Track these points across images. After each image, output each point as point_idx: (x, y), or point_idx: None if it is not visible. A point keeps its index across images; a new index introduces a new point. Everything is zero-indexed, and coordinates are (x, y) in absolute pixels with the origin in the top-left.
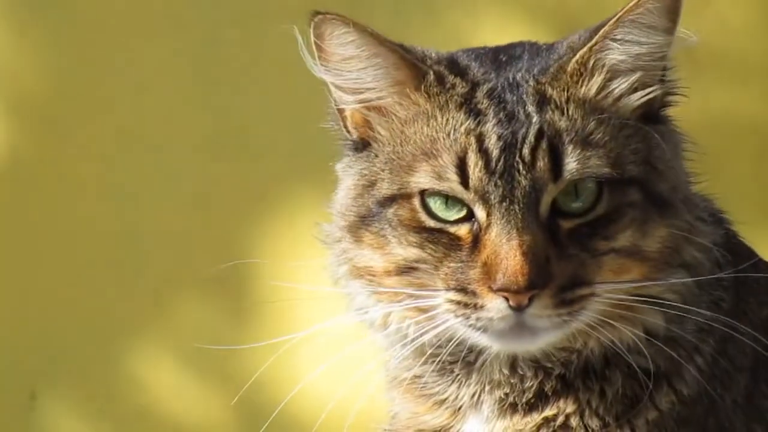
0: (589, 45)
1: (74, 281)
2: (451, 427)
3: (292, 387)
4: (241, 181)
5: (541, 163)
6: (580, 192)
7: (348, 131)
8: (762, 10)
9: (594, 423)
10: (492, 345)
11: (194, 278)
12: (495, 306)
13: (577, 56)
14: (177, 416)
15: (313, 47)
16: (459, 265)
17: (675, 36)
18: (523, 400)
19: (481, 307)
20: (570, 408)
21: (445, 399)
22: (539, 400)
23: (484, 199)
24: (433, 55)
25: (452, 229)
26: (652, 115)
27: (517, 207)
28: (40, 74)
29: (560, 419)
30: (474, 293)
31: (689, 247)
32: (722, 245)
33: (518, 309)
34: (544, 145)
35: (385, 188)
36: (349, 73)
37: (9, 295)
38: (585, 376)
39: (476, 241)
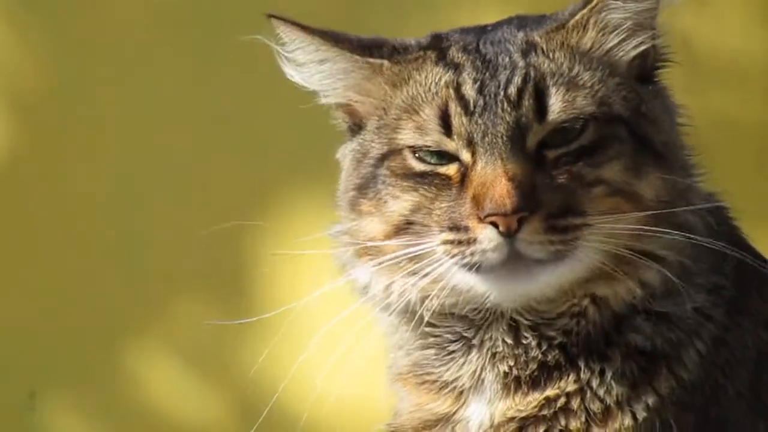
0: (590, 6)
1: (74, 281)
2: (455, 413)
3: (297, 385)
4: (241, 180)
5: (527, 103)
6: (567, 130)
7: (340, 118)
8: (761, 10)
9: (595, 405)
10: (488, 290)
11: (194, 278)
12: (486, 235)
13: (578, 16)
14: (177, 416)
15: (280, 55)
16: (450, 204)
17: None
18: (527, 372)
19: (474, 240)
20: (570, 387)
21: (447, 382)
22: (542, 373)
23: (469, 141)
24: (412, 41)
25: (442, 169)
26: (646, 74)
27: (500, 140)
28: (40, 74)
29: (561, 400)
30: (466, 228)
31: (683, 204)
32: (724, 236)
33: (508, 234)
34: (530, 87)
35: (376, 150)
36: (317, 75)
37: (9, 295)
38: (587, 353)
39: (464, 179)
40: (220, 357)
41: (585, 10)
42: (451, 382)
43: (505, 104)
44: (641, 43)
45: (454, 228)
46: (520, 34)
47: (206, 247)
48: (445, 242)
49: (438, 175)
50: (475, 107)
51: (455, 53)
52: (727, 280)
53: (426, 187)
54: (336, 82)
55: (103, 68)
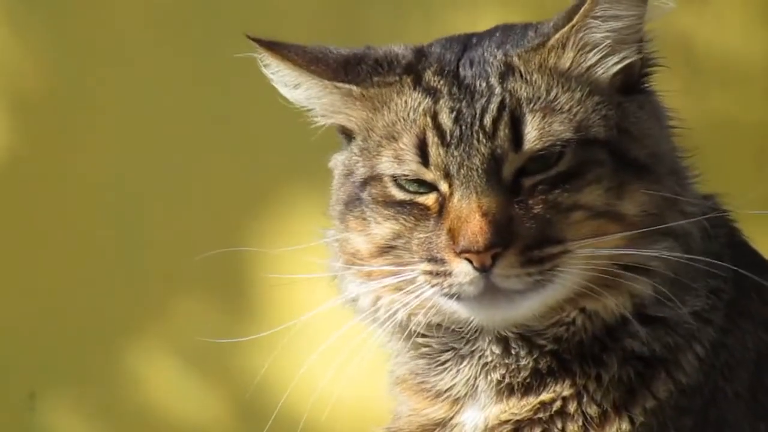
0: (571, 24)
1: (74, 281)
2: (451, 418)
3: (291, 386)
4: (241, 180)
5: (502, 133)
6: (545, 157)
7: (335, 129)
8: (761, 10)
9: (592, 410)
10: (471, 315)
11: (194, 277)
12: (461, 270)
13: (558, 35)
14: (177, 416)
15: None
16: (428, 235)
17: (648, 5)
18: (519, 379)
19: (450, 273)
20: (566, 392)
21: (442, 390)
22: (535, 379)
23: (445, 172)
24: (399, 52)
25: (420, 199)
26: (632, 85)
27: (475, 173)
28: (40, 74)
29: (557, 404)
30: (442, 260)
31: (675, 215)
32: (721, 239)
33: (483, 270)
34: (505, 116)
35: (360, 173)
36: (297, 92)
37: (9, 295)
38: (581, 359)
39: (442, 210)
40: (219, 357)
41: (565, 30)
42: (446, 390)
43: (481, 135)
44: (624, 58)
45: (432, 259)
46: (500, 54)
47: (206, 248)
48: (425, 272)
49: (417, 204)
50: (451, 138)
51: (432, 77)
52: (725, 283)
53: (405, 216)
54: (316, 103)
55: (103, 68)
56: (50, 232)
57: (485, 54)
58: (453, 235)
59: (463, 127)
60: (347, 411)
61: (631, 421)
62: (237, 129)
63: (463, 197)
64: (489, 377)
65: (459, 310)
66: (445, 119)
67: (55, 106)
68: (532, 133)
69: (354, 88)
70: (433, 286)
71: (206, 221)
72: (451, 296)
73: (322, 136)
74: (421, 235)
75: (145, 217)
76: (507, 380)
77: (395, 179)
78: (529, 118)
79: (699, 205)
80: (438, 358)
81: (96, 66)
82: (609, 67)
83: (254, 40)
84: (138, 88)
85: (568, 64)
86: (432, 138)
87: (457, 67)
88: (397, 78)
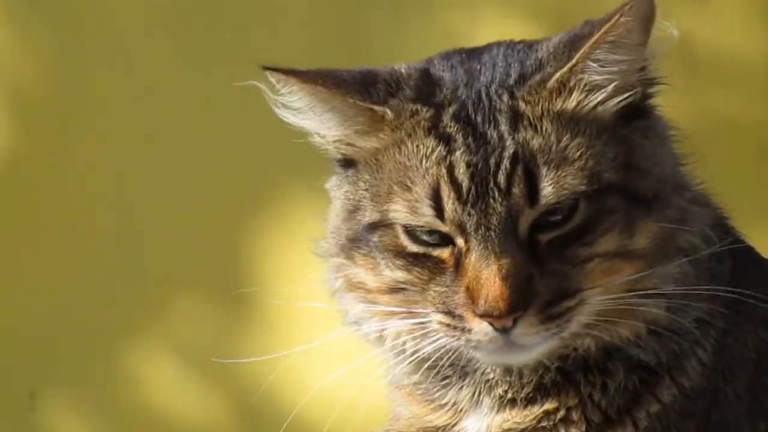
0: (570, 65)
1: (74, 281)
2: (454, 425)
3: (293, 387)
4: (241, 181)
5: (517, 190)
6: (558, 209)
7: (331, 153)
8: (761, 9)
9: (596, 416)
10: (486, 359)
11: (194, 278)
12: (481, 330)
13: (557, 75)
14: (177, 416)
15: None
16: (444, 289)
17: (650, 42)
18: (522, 395)
19: (469, 330)
20: (571, 401)
21: (446, 403)
22: (539, 393)
23: (461, 228)
24: (404, 71)
25: (435, 252)
26: (633, 111)
27: (493, 233)
28: (40, 74)
29: (561, 412)
30: (461, 317)
31: (683, 233)
32: (716, 226)
33: (504, 331)
34: (519, 171)
35: (368, 215)
36: (309, 120)
37: (9, 295)
38: (586, 370)
39: (458, 264)
40: (220, 357)
41: (565, 70)
42: (451, 403)
43: (496, 193)
44: (628, 96)
45: (449, 313)
46: (506, 97)
47: (206, 248)
48: (440, 323)
49: (431, 257)
50: (467, 195)
51: (447, 122)
52: (727, 284)
53: (419, 269)
54: (332, 130)
55: (103, 68)
56: (50, 232)
57: (492, 93)
58: (472, 295)
59: (479, 185)
60: (345, 408)
61: (635, 426)
62: (237, 129)
63: (481, 257)
64: (492, 392)
65: (474, 355)
66: (462, 174)
67: (55, 106)
68: (548, 189)
69: (387, 112)
70: (448, 336)
71: (206, 221)
72: (467, 347)
73: None
74: (437, 288)
75: (145, 217)
76: (510, 395)
77: (408, 229)
78: (543, 171)
79: (703, 215)
80: (441, 373)
81: (96, 66)
82: (614, 105)
83: (275, 69)
84: (138, 88)
85: (573, 106)
86: (447, 192)
87: (470, 111)
88: (417, 108)
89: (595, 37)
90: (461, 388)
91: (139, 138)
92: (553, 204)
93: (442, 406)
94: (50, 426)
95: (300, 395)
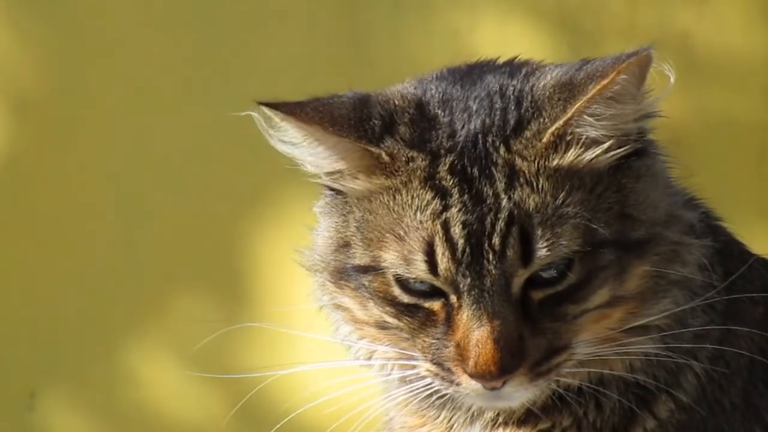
0: (565, 119)
1: (74, 281)
2: None
3: (292, 386)
4: (241, 181)
5: (511, 252)
6: (551, 266)
7: (324, 181)
8: (762, 10)
9: None
10: (474, 402)
11: (194, 278)
12: (470, 386)
13: (553, 129)
14: (177, 416)
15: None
16: (434, 341)
17: (644, 100)
18: (513, 419)
19: (458, 384)
20: (566, 422)
21: (440, 420)
22: (531, 415)
23: (454, 286)
24: (397, 102)
25: (426, 303)
26: (627, 157)
27: (486, 294)
28: (40, 74)
29: (557, 431)
30: (450, 371)
31: (676, 266)
32: (714, 255)
33: (493, 389)
34: (514, 232)
35: (358, 257)
36: (302, 154)
37: (9, 295)
38: (579, 393)
39: (449, 318)
40: (220, 357)
41: (560, 124)
42: (444, 421)
43: (491, 255)
44: (625, 148)
45: (439, 365)
46: (502, 149)
47: (206, 248)
48: (429, 371)
49: (423, 308)
50: (462, 255)
51: (444, 174)
52: (718, 293)
53: (409, 318)
54: (326, 165)
55: (103, 68)
56: (50, 232)
57: (488, 144)
58: (462, 354)
59: (474, 245)
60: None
61: None
62: (237, 129)
63: (473, 317)
64: (484, 416)
65: (460, 397)
66: (457, 234)
67: (55, 106)
68: (542, 251)
69: (382, 153)
70: (437, 382)
71: (206, 221)
72: (457, 394)
73: None
74: (427, 339)
75: (145, 217)
76: (501, 419)
77: (399, 279)
78: (539, 232)
79: (698, 246)
80: (432, 398)
81: (96, 66)
82: (610, 156)
83: (269, 105)
84: (138, 88)
85: (569, 161)
86: (442, 250)
87: (466, 164)
88: (413, 155)
89: (591, 93)
90: (453, 409)
91: (139, 138)
92: (547, 264)
93: (434, 420)
94: (50, 426)
95: (300, 396)
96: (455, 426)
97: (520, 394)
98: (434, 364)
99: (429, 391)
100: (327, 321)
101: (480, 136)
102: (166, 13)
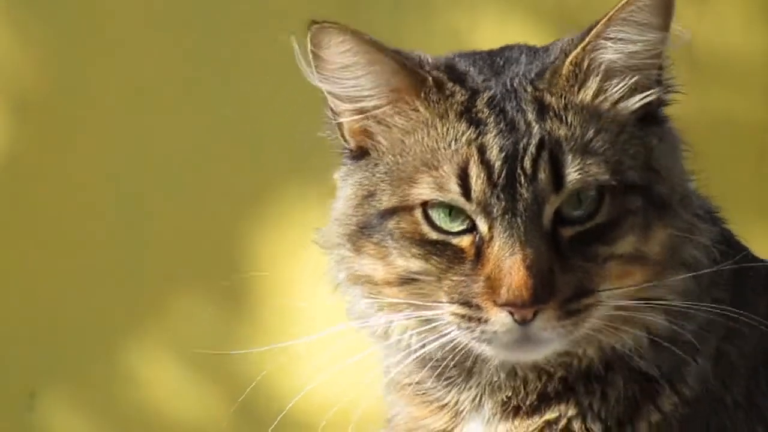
0: (582, 45)
1: (74, 281)
2: (453, 430)
3: (292, 386)
4: (241, 181)
5: (543, 175)
6: (582, 200)
7: (345, 140)
8: (762, 10)
9: (596, 427)
10: (496, 356)
11: (194, 278)
12: (499, 320)
13: (571, 57)
14: (177, 416)
15: (310, 56)
16: (462, 278)
17: (669, 33)
18: (527, 402)
19: (486, 320)
20: (572, 411)
21: (446, 404)
22: (541, 402)
23: (486, 212)
24: (431, 60)
25: (455, 240)
26: (650, 116)
27: (519, 220)
28: (40, 74)
29: (562, 423)
30: (478, 307)
31: (688, 247)
32: (719, 243)
33: (523, 323)
34: (545, 155)
35: (385, 200)
36: (347, 81)
37: (9, 295)
38: (586, 379)
39: (479, 253)
40: (220, 357)
41: (578, 50)
42: (451, 404)
43: (523, 178)
44: (646, 95)
45: (465, 304)
46: (530, 88)
47: (206, 247)
48: (454, 314)
49: (451, 246)
50: (498, 178)
51: (481, 107)
52: (725, 292)
53: (437, 258)
54: (365, 97)
55: (103, 68)
56: (50, 232)
57: (517, 86)
58: (493, 284)
59: (509, 169)
60: (342, 408)
61: None
62: (237, 128)
63: (506, 245)
64: (495, 396)
65: (485, 351)
66: (494, 156)
67: (55, 106)
68: (573, 174)
69: (429, 77)
70: (462, 329)
71: (206, 221)
72: (481, 341)
73: (322, 138)
74: (455, 278)
75: (145, 217)
76: (514, 402)
77: (427, 214)
78: (569, 158)
79: (708, 231)
80: (445, 373)
81: (96, 66)
82: (633, 103)
83: (326, 23)
84: (137, 88)
85: (592, 94)
86: (477, 172)
87: (501, 99)
88: (455, 88)
89: (610, 14)
90: (464, 389)
91: (139, 138)
92: (577, 190)
93: (442, 408)
94: (50, 426)
95: (301, 397)
96: (463, 410)
97: (548, 334)
98: (461, 304)
99: (444, 358)
100: (343, 299)
101: (509, 80)
102: (166, 13)
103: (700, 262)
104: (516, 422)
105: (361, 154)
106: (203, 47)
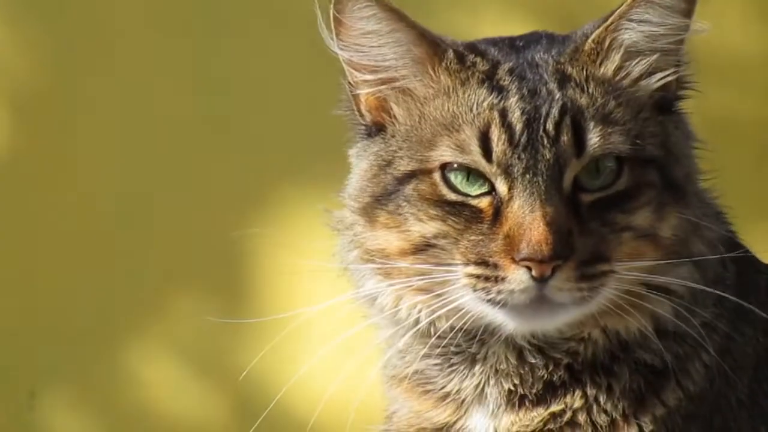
0: (605, 25)
1: (74, 281)
2: (455, 422)
3: (287, 384)
4: (241, 180)
5: (565, 138)
6: (601, 169)
7: (361, 115)
8: (761, 9)
9: (601, 419)
10: (509, 322)
11: (195, 276)
12: (517, 277)
13: (594, 35)
14: (177, 416)
15: (332, 23)
16: (480, 238)
17: (691, 21)
18: (533, 391)
19: (503, 279)
20: (577, 403)
21: (448, 393)
22: (547, 391)
23: (507, 173)
24: (450, 40)
25: (473, 201)
26: (668, 104)
27: (540, 179)
28: (40, 74)
29: (567, 415)
30: (495, 265)
31: (697, 241)
32: (724, 244)
33: (541, 280)
34: (567, 120)
35: (404, 165)
36: (369, 49)
37: (9, 294)
38: (593, 370)
39: (497, 214)
40: (220, 357)
41: (600, 29)
42: (453, 393)
43: (545, 140)
44: (666, 74)
45: (482, 263)
46: (551, 60)
47: (206, 247)
48: (470, 275)
49: (469, 206)
50: (519, 139)
51: (503, 75)
52: (730, 290)
53: (455, 218)
54: (391, 62)
55: (103, 68)
56: (50, 232)
57: (537, 59)
58: (512, 241)
59: (531, 131)
60: (343, 408)
61: (640, 430)
62: (237, 128)
63: (526, 203)
64: (501, 385)
65: (496, 318)
66: (516, 119)
67: (55, 106)
68: (594, 139)
69: (449, 51)
70: (476, 291)
71: (206, 221)
72: (495, 303)
73: (324, 136)
74: (472, 238)
75: (145, 217)
76: (520, 391)
77: (446, 177)
78: (590, 125)
79: (716, 229)
80: (450, 359)
81: (96, 66)
82: (652, 82)
83: None
84: (138, 88)
85: (613, 69)
86: (498, 134)
87: (524, 71)
88: (477, 60)
89: None
90: (467, 376)
91: (139, 137)
92: (598, 156)
93: (443, 398)
94: (50, 426)
95: (301, 395)
96: (466, 400)
97: (564, 297)
98: (477, 264)
99: (452, 337)
100: (348, 276)
101: (531, 56)
102: (166, 13)
103: (707, 258)
104: (521, 413)
105: (376, 130)
106: (203, 47)
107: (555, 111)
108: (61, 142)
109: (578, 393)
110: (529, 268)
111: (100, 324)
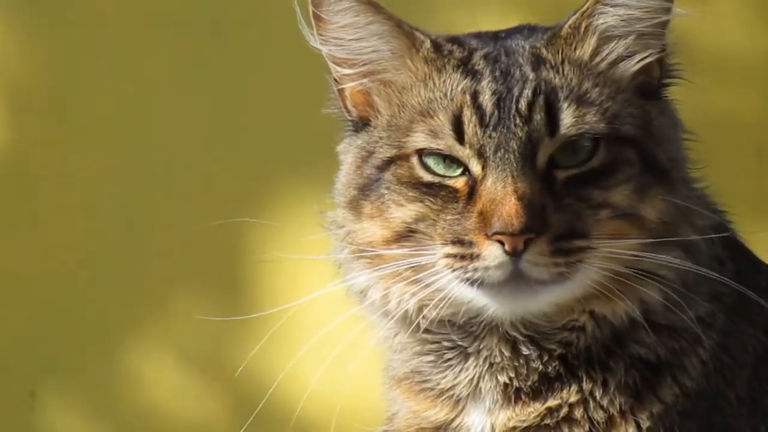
0: (582, 10)
1: (74, 281)
2: (453, 420)
3: (293, 385)
4: (241, 180)
5: (538, 117)
6: (576, 150)
7: (348, 110)
8: (761, 10)
9: (598, 415)
10: (491, 304)
11: (194, 277)
12: (491, 253)
13: (570, 21)
14: (177, 416)
15: (312, 18)
16: (456, 217)
17: (673, 3)
18: (528, 383)
19: (478, 256)
20: (573, 398)
21: (444, 390)
22: (543, 384)
23: (480, 153)
24: (428, 32)
25: (450, 182)
26: (652, 90)
27: (512, 156)
28: (40, 74)
29: (564, 410)
30: (471, 243)
31: (686, 228)
32: (724, 241)
33: (514, 254)
34: (540, 100)
35: (383, 152)
36: (348, 42)
37: (9, 294)
38: (588, 364)
39: (472, 193)
40: (219, 356)
41: (577, 15)
42: (448, 389)
43: (518, 119)
44: (644, 56)
45: (458, 242)
46: (527, 45)
47: (206, 247)
48: (448, 255)
49: (445, 187)
50: (490, 119)
51: (478, 60)
52: (726, 287)
53: (432, 198)
54: (371, 55)
55: (103, 68)
56: (50, 233)
57: (515, 46)
58: (485, 217)
59: (502, 111)
60: (342, 407)
61: (638, 426)
62: (237, 128)
63: (498, 180)
64: (496, 379)
65: (476, 299)
66: (486, 100)
67: (55, 105)
68: (567, 120)
69: (426, 41)
70: (454, 270)
71: (206, 220)
72: (473, 282)
73: (323, 136)
74: (449, 218)
75: (145, 217)
76: (516, 384)
77: (422, 160)
78: (564, 105)
79: (706, 216)
80: (443, 355)
81: (96, 66)
82: (631, 65)
83: None
84: (138, 88)
85: (590, 52)
86: (469, 116)
87: (498, 56)
88: (453, 48)
89: None
90: (461, 370)
91: (139, 138)
92: (571, 136)
93: (439, 396)
94: (50, 426)
95: (301, 393)
96: (462, 397)
97: (541, 272)
98: (454, 243)
99: (441, 326)
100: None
101: (509, 43)
102: (166, 13)
103: (698, 247)
104: (518, 408)
105: (362, 124)
106: (204, 47)
107: (528, 91)
108: (62, 142)
109: (574, 387)
110: (502, 243)
111: (100, 325)
